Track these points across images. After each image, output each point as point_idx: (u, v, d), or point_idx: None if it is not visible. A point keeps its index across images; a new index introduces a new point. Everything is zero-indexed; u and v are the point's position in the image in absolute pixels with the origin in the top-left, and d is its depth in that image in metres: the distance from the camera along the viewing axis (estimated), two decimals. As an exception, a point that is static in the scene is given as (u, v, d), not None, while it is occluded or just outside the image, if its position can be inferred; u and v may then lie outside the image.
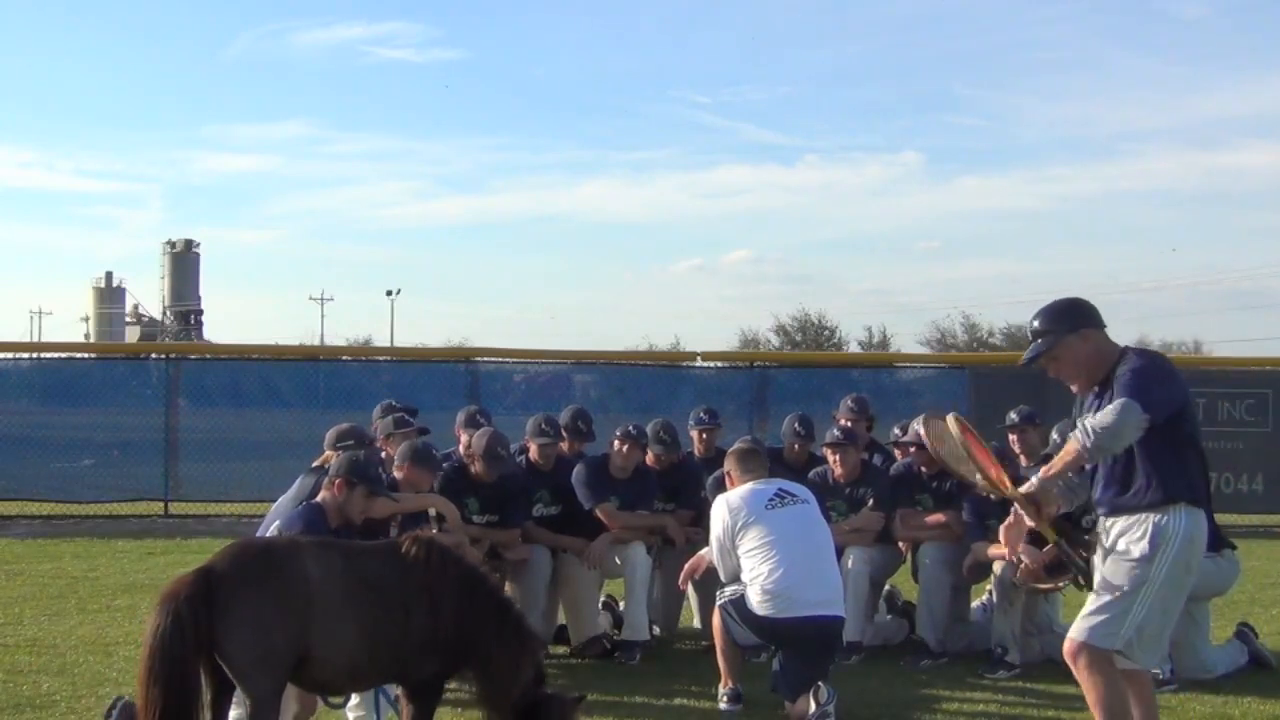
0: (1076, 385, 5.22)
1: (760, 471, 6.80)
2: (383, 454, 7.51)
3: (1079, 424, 4.91)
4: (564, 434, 8.25)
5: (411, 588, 5.10)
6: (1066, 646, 5.09)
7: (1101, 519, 5.13)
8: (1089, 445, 4.81)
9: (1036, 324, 5.21)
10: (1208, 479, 5.16)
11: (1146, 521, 4.92)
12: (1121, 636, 4.96)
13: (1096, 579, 5.06)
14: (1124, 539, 4.97)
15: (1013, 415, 8.34)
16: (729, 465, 6.91)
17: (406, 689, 5.26)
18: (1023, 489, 5.03)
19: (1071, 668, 5.10)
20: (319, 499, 6.00)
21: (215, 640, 4.76)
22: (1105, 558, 5.03)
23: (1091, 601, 5.05)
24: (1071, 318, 5.16)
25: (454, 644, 5.13)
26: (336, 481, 5.91)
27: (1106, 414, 4.82)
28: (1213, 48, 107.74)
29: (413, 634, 5.07)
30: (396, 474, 7.14)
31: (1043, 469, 5.08)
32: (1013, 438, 8.21)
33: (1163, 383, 4.94)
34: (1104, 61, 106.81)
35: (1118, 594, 4.95)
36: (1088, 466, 5.06)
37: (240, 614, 4.76)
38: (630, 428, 8.15)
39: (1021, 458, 8.09)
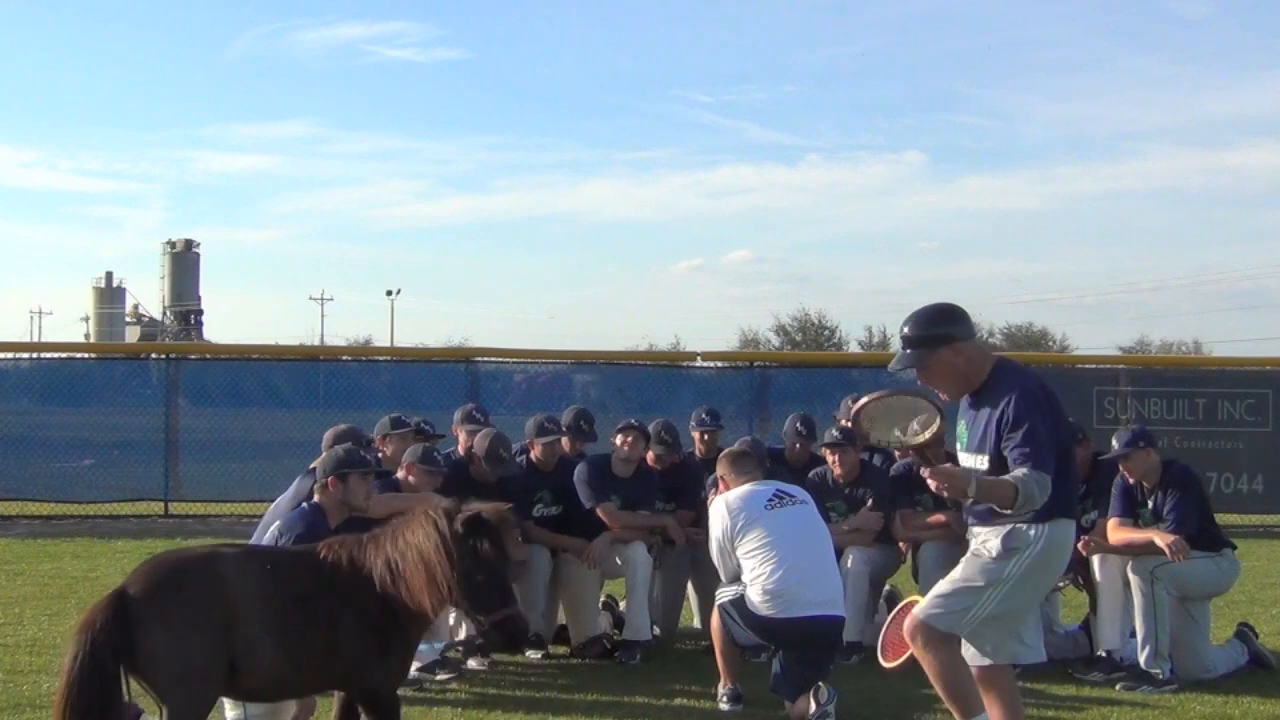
0: (945, 395, 5.12)
1: (756, 473, 6.80)
2: (380, 454, 7.53)
3: (1019, 480, 4.78)
4: (566, 433, 8.27)
5: (335, 596, 4.90)
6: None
7: (970, 527, 5.11)
8: (1022, 504, 4.76)
9: (907, 330, 5.07)
10: (1072, 483, 5.13)
11: (1008, 525, 4.90)
12: (962, 625, 5.01)
13: (953, 572, 5.11)
14: (985, 541, 4.98)
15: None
16: (721, 470, 6.91)
17: (359, 700, 5.02)
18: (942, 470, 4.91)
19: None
20: (316, 500, 6.00)
21: (134, 662, 4.63)
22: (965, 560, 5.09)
23: (940, 587, 5.11)
24: (945, 327, 5.02)
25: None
26: (328, 482, 5.89)
27: (1030, 484, 4.73)
28: (1215, 47, 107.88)
29: (342, 644, 4.86)
30: (400, 475, 7.18)
31: (985, 492, 4.89)
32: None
33: (1046, 434, 4.84)
34: (1107, 61, 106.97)
35: (968, 585, 5.00)
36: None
37: (156, 634, 4.62)
38: (632, 421, 8.17)
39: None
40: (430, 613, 4.97)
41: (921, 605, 5.13)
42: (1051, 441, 4.87)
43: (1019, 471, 4.79)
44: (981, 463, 4.97)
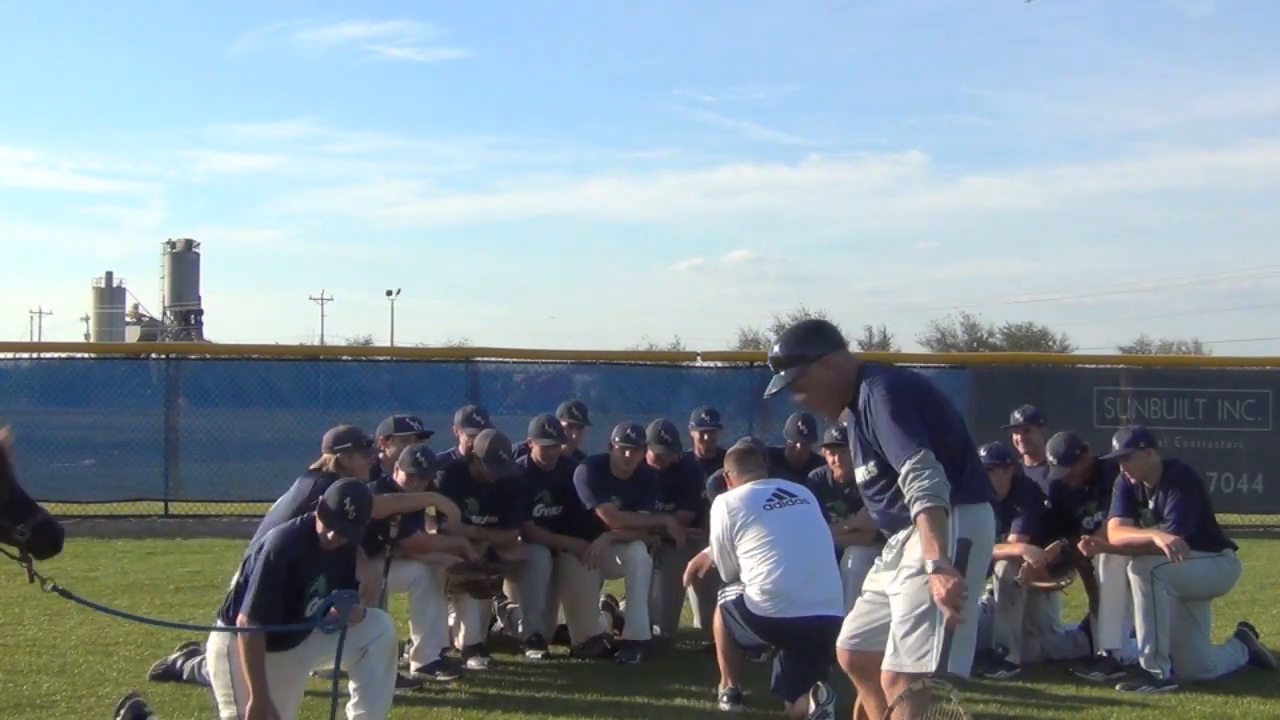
0: (826, 413, 5.02)
1: (759, 471, 6.80)
2: (381, 455, 7.53)
3: (909, 495, 4.59)
4: (564, 419, 8.35)
5: None
6: (884, 677, 4.81)
7: (886, 535, 4.95)
8: (933, 505, 4.52)
9: (778, 350, 4.97)
10: (979, 469, 4.95)
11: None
12: (935, 654, 4.62)
13: (894, 605, 4.79)
14: (906, 553, 4.77)
15: (1016, 415, 8.33)
16: (727, 466, 6.92)
17: None
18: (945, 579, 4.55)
19: (887, 694, 4.81)
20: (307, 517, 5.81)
21: None
22: (895, 579, 4.80)
23: (898, 630, 4.75)
24: (814, 345, 4.92)
25: None
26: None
27: (915, 480, 4.54)
28: (1217, 47, 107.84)
29: None
30: (396, 477, 7.19)
31: (929, 554, 4.54)
32: (1016, 438, 8.20)
33: (914, 409, 4.69)
34: (1107, 61, 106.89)
35: (919, 610, 4.68)
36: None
37: None
38: (629, 430, 8.14)
39: (1025, 458, 8.08)
40: None
41: (894, 657, 4.75)
42: (918, 419, 4.67)
43: (914, 506, 4.56)
44: (871, 469, 4.83)
